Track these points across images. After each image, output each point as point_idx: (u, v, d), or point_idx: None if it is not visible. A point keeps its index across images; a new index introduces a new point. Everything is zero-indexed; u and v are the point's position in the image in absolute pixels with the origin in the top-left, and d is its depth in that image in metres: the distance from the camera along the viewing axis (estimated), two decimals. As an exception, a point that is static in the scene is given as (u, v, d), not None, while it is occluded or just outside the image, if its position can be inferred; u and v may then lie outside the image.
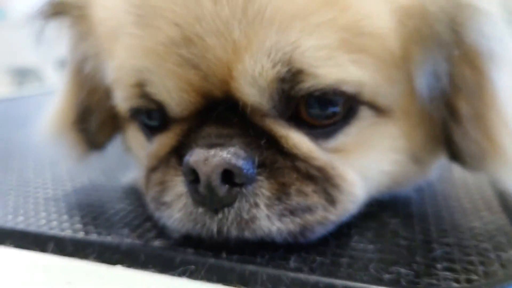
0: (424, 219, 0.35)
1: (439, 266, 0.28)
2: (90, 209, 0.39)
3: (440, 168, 0.41)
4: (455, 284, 0.26)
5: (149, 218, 0.36)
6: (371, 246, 0.31)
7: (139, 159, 0.40)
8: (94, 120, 0.41)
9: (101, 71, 0.37)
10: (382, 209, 0.36)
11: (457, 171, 0.44)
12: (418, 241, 0.31)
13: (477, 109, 0.31)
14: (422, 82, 0.31)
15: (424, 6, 0.28)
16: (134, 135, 0.38)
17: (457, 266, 0.28)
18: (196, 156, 0.27)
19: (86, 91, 0.40)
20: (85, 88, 0.39)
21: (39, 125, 0.43)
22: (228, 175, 0.27)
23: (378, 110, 0.31)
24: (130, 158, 0.45)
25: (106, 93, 0.38)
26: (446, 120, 0.32)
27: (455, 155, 0.33)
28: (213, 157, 0.27)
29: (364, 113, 0.31)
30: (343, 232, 0.33)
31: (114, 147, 0.46)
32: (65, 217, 0.38)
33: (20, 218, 0.37)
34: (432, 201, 0.39)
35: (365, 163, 0.33)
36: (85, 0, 0.36)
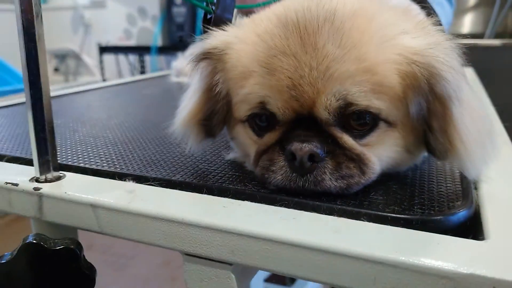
0: (413, 186, 0.60)
1: (415, 207, 0.53)
2: (214, 173, 0.66)
3: (427, 157, 0.67)
4: (420, 214, 0.52)
5: (250, 178, 0.62)
6: (380, 197, 0.56)
7: (243, 145, 0.66)
8: (215, 119, 0.66)
9: (225, 92, 0.64)
10: (389, 179, 0.62)
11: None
12: (407, 196, 0.57)
13: (443, 125, 0.55)
14: (413, 110, 0.56)
15: (415, 72, 0.53)
16: (243, 131, 0.64)
17: (425, 207, 0.53)
18: (295, 146, 0.53)
19: (213, 101, 0.66)
20: (213, 100, 0.65)
21: (175, 119, 0.70)
22: (311, 156, 0.53)
23: (389, 123, 0.57)
24: (232, 144, 0.72)
25: (226, 104, 0.65)
26: (425, 130, 0.57)
27: (431, 151, 0.59)
28: (304, 147, 0.53)
29: (381, 125, 0.57)
30: (366, 190, 0.58)
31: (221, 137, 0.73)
32: (203, 176, 0.65)
33: (179, 175, 0.65)
34: (420, 176, 0.64)
35: (380, 152, 0.58)
36: (223, 50, 0.61)
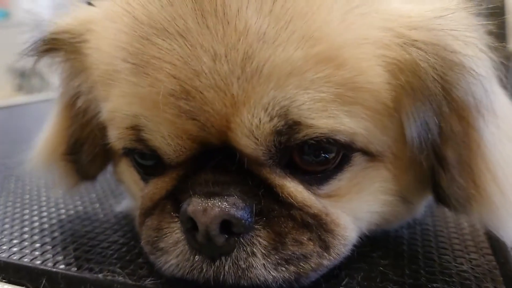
0: (414, 260, 0.35)
1: None
2: (83, 240, 0.40)
3: (431, 205, 0.42)
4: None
5: (140, 253, 0.37)
6: None
7: (131, 193, 0.41)
8: (85, 152, 0.41)
9: (93, 106, 0.38)
10: (373, 249, 0.37)
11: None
12: (407, 286, 0.32)
13: (463, 157, 0.32)
14: (413, 131, 0.31)
15: (416, 62, 0.29)
16: (127, 170, 0.39)
17: None
18: (195, 205, 0.28)
19: (78, 124, 0.40)
20: (77, 121, 0.40)
21: (30, 152, 0.43)
22: (227, 224, 0.28)
23: (370, 155, 0.32)
24: (122, 188, 0.46)
25: (98, 127, 0.38)
26: (433, 166, 0.33)
27: (442, 198, 0.34)
28: (211, 208, 0.27)
29: (357, 159, 0.32)
30: (334, 274, 0.33)
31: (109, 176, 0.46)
32: (58, 248, 0.38)
33: (15, 249, 0.38)
34: (423, 240, 0.39)
35: (356, 206, 0.33)
36: (79, 36, 0.36)
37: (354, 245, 0.34)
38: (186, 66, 0.28)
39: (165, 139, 0.30)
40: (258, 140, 0.29)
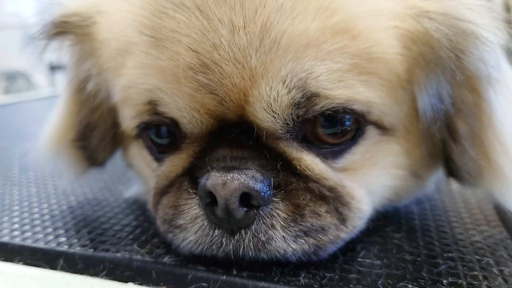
0: (427, 233, 0.36)
1: (444, 281, 0.29)
2: (96, 224, 0.39)
3: (438, 181, 0.43)
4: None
5: (156, 233, 0.37)
6: (377, 262, 0.32)
7: (143, 176, 0.40)
8: (95, 137, 0.41)
9: (104, 90, 0.38)
10: (385, 223, 0.38)
11: (455, 184, 0.45)
12: (422, 255, 0.32)
13: (474, 129, 0.32)
14: (425, 103, 0.32)
15: (428, 32, 0.30)
16: (138, 153, 0.39)
17: (463, 282, 0.29)
18: (214, 179, 0.28)
19: (88, 109, 0.39)
20: (87, 106, 0.39)
21: (37, 141, 0.43)
22: (246, 197, 0.28)
23: (384, 129, 0.33)
24: (132, 174, 0.46)
25: (108, 111, 0.39)
26: (445, 139, 0.33)
27: (453, 171, 0.34)
28: (231, 180, 0.27)
29: (371, 132, 0.32)
30: (350, 247, 0.33)
31: (116, 162, 0.46)
32: (72, 232, 0.38)
33: (27, 234, 0.37)
34: (433, 215, 0.40)
35: (370, 179, 0.34)
36: (89, 19, 0.36)
37: (369, 220, 0.35)
38: (204, 39, 0.28)
39: (181, 111, 0.30)
40: (276, 113, 0.29)
